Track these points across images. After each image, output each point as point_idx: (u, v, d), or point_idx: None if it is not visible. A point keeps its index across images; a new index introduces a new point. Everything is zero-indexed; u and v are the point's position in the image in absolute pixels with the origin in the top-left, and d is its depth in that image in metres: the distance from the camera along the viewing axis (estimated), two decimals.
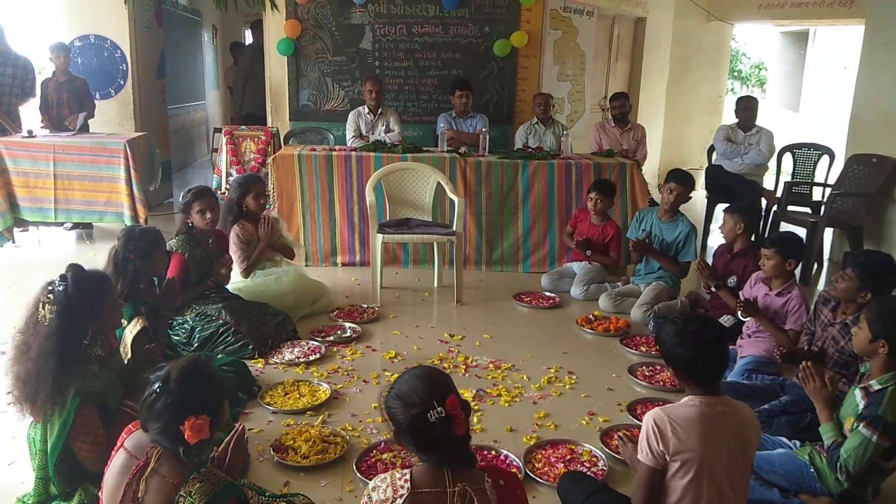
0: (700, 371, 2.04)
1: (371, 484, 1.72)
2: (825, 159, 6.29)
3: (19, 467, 2.59)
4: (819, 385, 2.52)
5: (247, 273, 4.23)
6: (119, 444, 1.90)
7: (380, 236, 4.56)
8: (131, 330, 2.88)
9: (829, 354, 3.06)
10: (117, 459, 1.87)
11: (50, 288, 2.26)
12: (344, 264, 5.41)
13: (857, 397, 2.45)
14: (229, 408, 2.96)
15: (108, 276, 2.59)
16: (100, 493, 1.89)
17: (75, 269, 2.32)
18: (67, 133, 5.92)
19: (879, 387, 2.39)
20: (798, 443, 2.67)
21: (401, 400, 1.68)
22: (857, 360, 2.84)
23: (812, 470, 2.48)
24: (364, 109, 6.13)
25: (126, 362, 2.73)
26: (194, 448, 1.79)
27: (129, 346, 2.86)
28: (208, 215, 3.75)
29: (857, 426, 2.36)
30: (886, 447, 2.33)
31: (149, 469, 1.80)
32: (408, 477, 1.68)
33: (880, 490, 2.53)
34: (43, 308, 2.23)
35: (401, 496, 1.65)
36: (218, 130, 7.78)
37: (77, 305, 2.25)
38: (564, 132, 6.16)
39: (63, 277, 2.28)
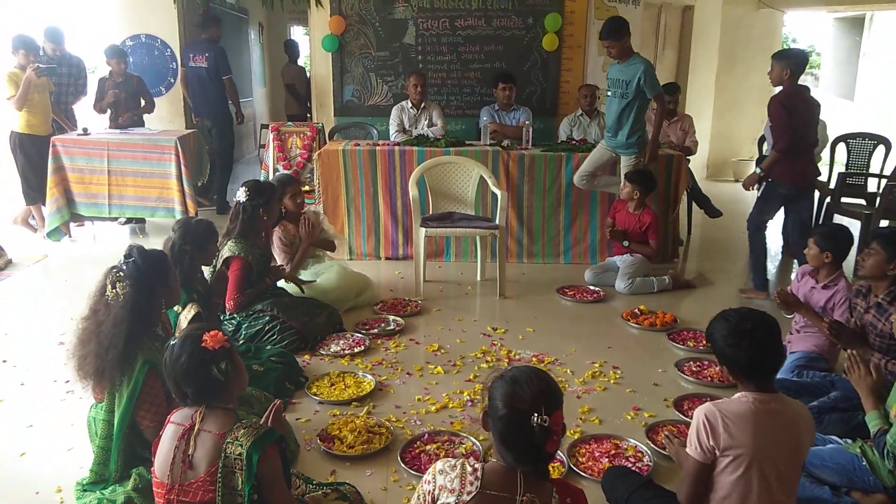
0: (754, 369, 2.00)
1: (439, 465, 1.68)
2: (881, 149, 6.08)
3: (78, 453, 2.70)
4: (864, 373, 2.48)
5: (295, 272, 4.30)
6: (166, 422, 2.01)
7: (423, 230, 4.58)
8: (186, 315, 3.00)
9: (871, 341, 3.00)
10: (166, 433, 1.98)
11: (116, 269, 2.40)
12: (388, 258, 5.46)
13: None
14: (276, 397, 3.07)
15: (164, 252, 2.80)
16: (153, 469, 1.98)
17: (136, 246, 2.50)
18: (120, 130, 6.10)
19: None
20: (849, 440, 2.60)
21: (513, 388, 1.62)
22: None
23: (864, 463, 2.43)
24: (407, 104, 6.15)
25: None
26: (223, 360, 1.94)
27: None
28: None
29: None
30: None
31: (196, 429, 1.91)
32: (479, 474, 1.63)
33: None
34: (113, 287, 2.36)
35: (468, 493, 1.60)
36: (265, 127, 7.91)
37: (148, 275, 2.43)
38: None
39: (128, 255, 2.44)
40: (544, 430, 1.56)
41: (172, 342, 1.98)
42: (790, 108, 4.37)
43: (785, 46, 12.75)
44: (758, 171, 4.66)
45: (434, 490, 1.64)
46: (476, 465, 1.65)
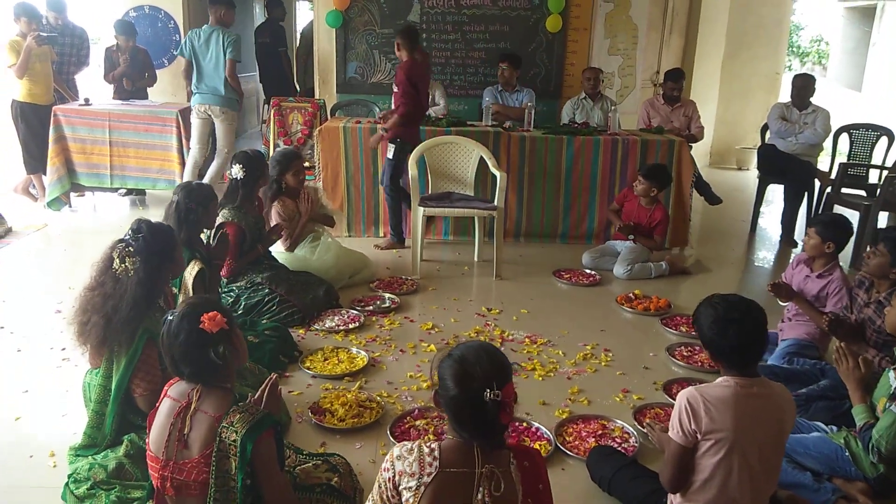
0: (739, 356, 2.01)
1: (396, 451, 1.68)
2: (883, 140, 6.05)
3: (72, 419, 2.74)
4: (852, 366, 2.49)
5: (292, 248, 4.33)
6: (163, 394, 2.02)
7: (421, 209, 4.59)
8: (190, 272, 3.05)
9: (868, 336, 3.01)
10: (162, 407, 1.99)
11: (123, 244, 2.42)
12: (386, 236, 5.47)
13: (890, 378, 2.41)
14: (270, 370, 3.10)
15: (169, 225, 2.84)
16: (147, 439, 2.00)
17: (144, 221, 2.53)
18: (122, 101, 6.09)
19: None
20: (834, 428, 2.63)
21: (462, 366, 1.62)
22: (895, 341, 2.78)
23: (847, 454, 2.45)
24: None
25: None
26: (221, 343, 1.92)
27: (189, 286, 3.04)
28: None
29: (890, 405, 2.33)
30: None
31: (192, 408, 1.92)
32: (437, 454, 1.63)
33: None
34: (122, 262, 2.38)
35: (428, 474, 1.61)
36: (267, 102, 7.88)
37: (158, 251, 2.46)
38: (612, 108, 6.06)
39: (136, 231, 2.46)
40: (497, 404, 1.58)
41: (170, 317, 1.97)
42: None
43: (794, 35, 12.65)
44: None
45: (394, 476, 1.65)
46: (433, 446, 1.66)
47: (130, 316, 2.36)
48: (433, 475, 1.61)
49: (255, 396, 2.14)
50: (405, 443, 1.70)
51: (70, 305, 2.50)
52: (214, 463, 1.86)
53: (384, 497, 1.67)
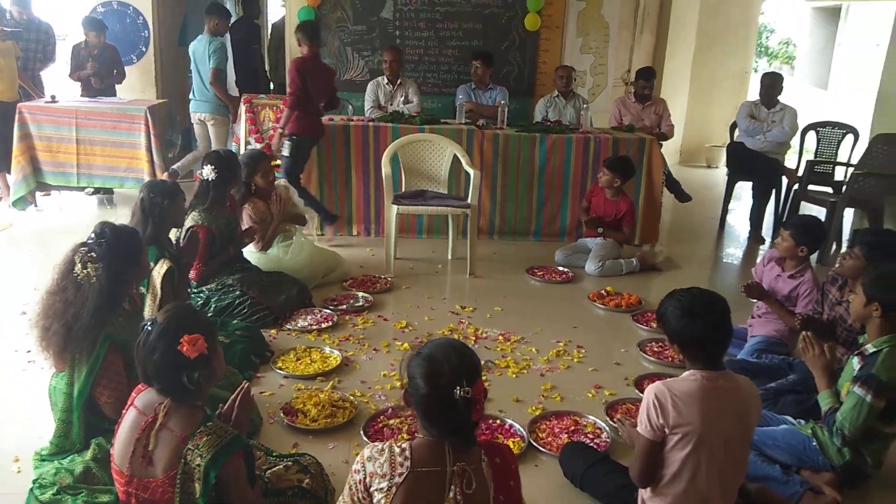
0: (704, 347, 2.04)
1: (367, 452, 1.67)
2: (849, 138, 6.16)
3: (38, 423, 2.67)
4: (818, 353, 2.56)
5: (265, 249, 4.28)
6: (129, 402, 1.96)
7: (395, 207, 4.58)
8: (159, 271, 2.99)
9: (838, 334, 3.06)
10: (128, 417, 1.93)
11: (86, 248, 2.34)
12: (359, 234, 5.45)
13: (853, 363, 2.50)
14: (242, 371, 3.07)
15: (134, 228, 2.74)
16: (112, 454, 1.95)
17: (108, 224, 2.45)
18: (90, 98, 5.98)
19: (874, 349, 2.45)
20: (802, 421, 2.68)
21: (431, 365, 1.62)
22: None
23: (814, 443, 2.52)
24: (383, 80, 6.10)
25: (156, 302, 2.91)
26: (197, 370, 1.85)
27: (158, 286, 2.97)
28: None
29: (853, 387, 2.41)
30: (882, 408, 2.38)
31: (157, 424, 1.86)
32: (408, 454, 1.63)
33: (882, 462, 2.54)
34: (84, 268, 2.31)
35: (400, 475, 1.60)
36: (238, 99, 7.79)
37: (121, 256, 2.39)
38: (585, 106, 6.10)
39: (100, 235, 2.39)
40: (467, 401, 1.58)
41: (149, 326, 1.89)
42: None
43: (763, 34, 12.86)
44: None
45: (365, 478, 1.64)
46: (404, 446, 1.65)
47: (91, 324, 2.29)
48: (404, 475, 1.60)
49: (226, 407, 2.11)
50: (376, 444, 1.69)
51: (34, 308, 2.44)
52: (179, 485, 1.82)
53: (355, 499, 1.66)
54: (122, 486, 1.89)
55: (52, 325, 2.31)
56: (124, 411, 1.96)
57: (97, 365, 2.31)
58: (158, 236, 3.11)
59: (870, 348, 2.47)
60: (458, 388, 1.58)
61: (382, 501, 1.60)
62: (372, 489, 1.62)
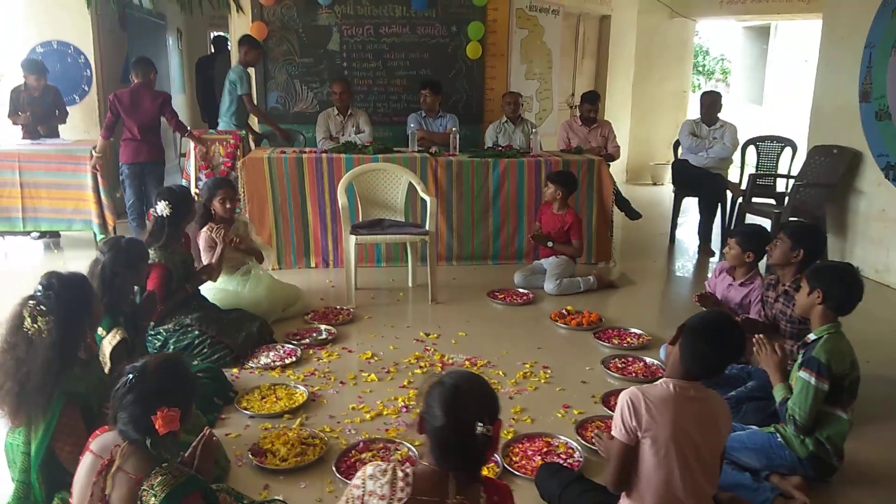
0: (703, 370, 2.09)
1: (369, 469, 1.66)
2: (788, 151, 6.43)
3: None
4: (770, 351, 2.71)
5: (214, 278, 4.16)
6: (85, 448, 1.92)
7: (353, 238, 4.57)
8: (110, 341, 2.83)
9: (782, 329, 3.25)
10: (84, 462, 1.89)
11: (34, 301, 2.25)
12: (317, 266, 5.41)
13: (800, 356, 2.65)
14: (205, 414, 2.99)
15: (83, 274, 2.58)
16: (71, 500, 1.90)
17: (55, 274, 2.34)
18: (31, 141, 5.83)
19: (815, 336, 2.63)
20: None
21: (455, 396, 1.61)
22: (808, 328, 2.97)
23: (780, 439, 2.62)
24: (333, 111, 6.13)
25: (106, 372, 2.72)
26: (162, 440, 1.82)
27: (107, 356, 2.81)
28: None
29: (798, 374, 2.56)
30: (826, 391, 2.51)
31: (114, 467, 1.82)
32: (410, 479, 1.62)
33: (842, 452, 2.63)
34: (34, 322, 2.21)
35: (399, 499, 1.59)
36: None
37: (71, 308, 2.29)
38: (533, 130, 6.22)
39: (47, 286, 2.28)
40: (487, 439, 1.57)
41: (130, 375, 1.84)
42: None
43: (698, 54, 13.34)
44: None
45: (363, 495, 1.62)
46: (407, 471, 1.64)
47: (45, 381, 2.20)
48: (403, 500, 1.59)
49: (188, 454, 2.07)
50: (379, 462, 1.69)
51: None
52: None
53: None
54: None
55: (5, 384, 2.21)
56: (80, 456, 1.92)
57: (53, 423, 2.22)
58: (115, 304, 2.92)
59: (811, 336, 2.65)
60: (481, 424, 1.57)
61: None
62: None
